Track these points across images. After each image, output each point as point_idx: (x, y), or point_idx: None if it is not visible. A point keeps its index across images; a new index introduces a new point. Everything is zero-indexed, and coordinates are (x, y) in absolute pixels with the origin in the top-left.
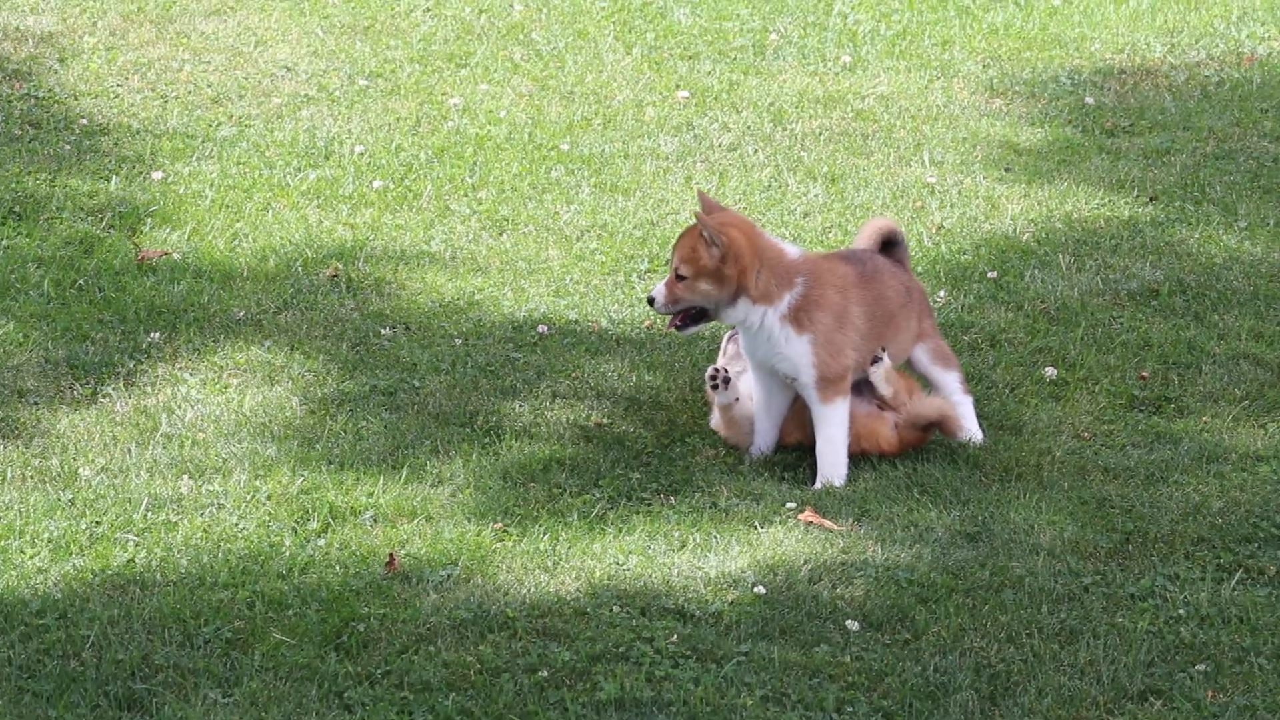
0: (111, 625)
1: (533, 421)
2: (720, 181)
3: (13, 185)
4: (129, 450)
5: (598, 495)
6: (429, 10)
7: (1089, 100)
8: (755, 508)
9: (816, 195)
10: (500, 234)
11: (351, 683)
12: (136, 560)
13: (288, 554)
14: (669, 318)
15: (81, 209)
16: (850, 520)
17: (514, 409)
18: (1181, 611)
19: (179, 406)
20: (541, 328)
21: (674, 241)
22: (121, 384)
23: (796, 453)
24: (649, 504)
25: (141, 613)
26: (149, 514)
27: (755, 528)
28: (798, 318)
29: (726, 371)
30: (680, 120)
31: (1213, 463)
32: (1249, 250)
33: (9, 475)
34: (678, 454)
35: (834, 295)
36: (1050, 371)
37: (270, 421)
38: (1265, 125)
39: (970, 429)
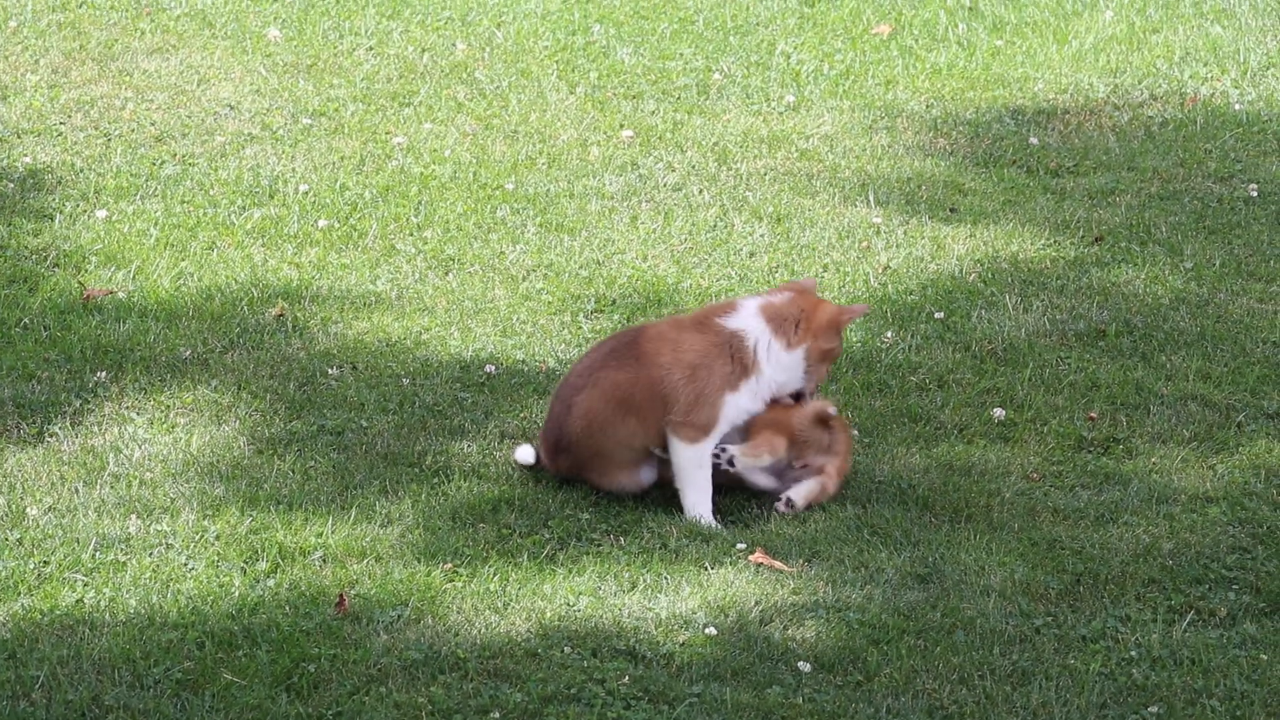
0: (61, 665)
1: (481, 461)
2: (665, 221)
3: None
4: (76, 489)
5: (547, 535)
6: (372, 49)
7: (1033, 140)
8: (705, 548)
9: (762, 235)
10: (446, 273)
11: None
12: (85, 600)
13: (237, 594)
14: None
15: (25, 247)
16: (800, 561)
17: (462, 449)
18: (1133, 653)
19: (126, 446)
20: (489, 367)
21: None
22: (68, 423)
23: (744, 495)
24: (599, 544)
25: (91, 653)
26: (97, 554)
27: (706, 568)
28: None
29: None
30: (625, 159)
31: (1162, 504)
32: (1195, 291)
33: None
34: (627, 494)
35: None
36: (998, 412)
37: (218, 461)
38: (1209, 166)
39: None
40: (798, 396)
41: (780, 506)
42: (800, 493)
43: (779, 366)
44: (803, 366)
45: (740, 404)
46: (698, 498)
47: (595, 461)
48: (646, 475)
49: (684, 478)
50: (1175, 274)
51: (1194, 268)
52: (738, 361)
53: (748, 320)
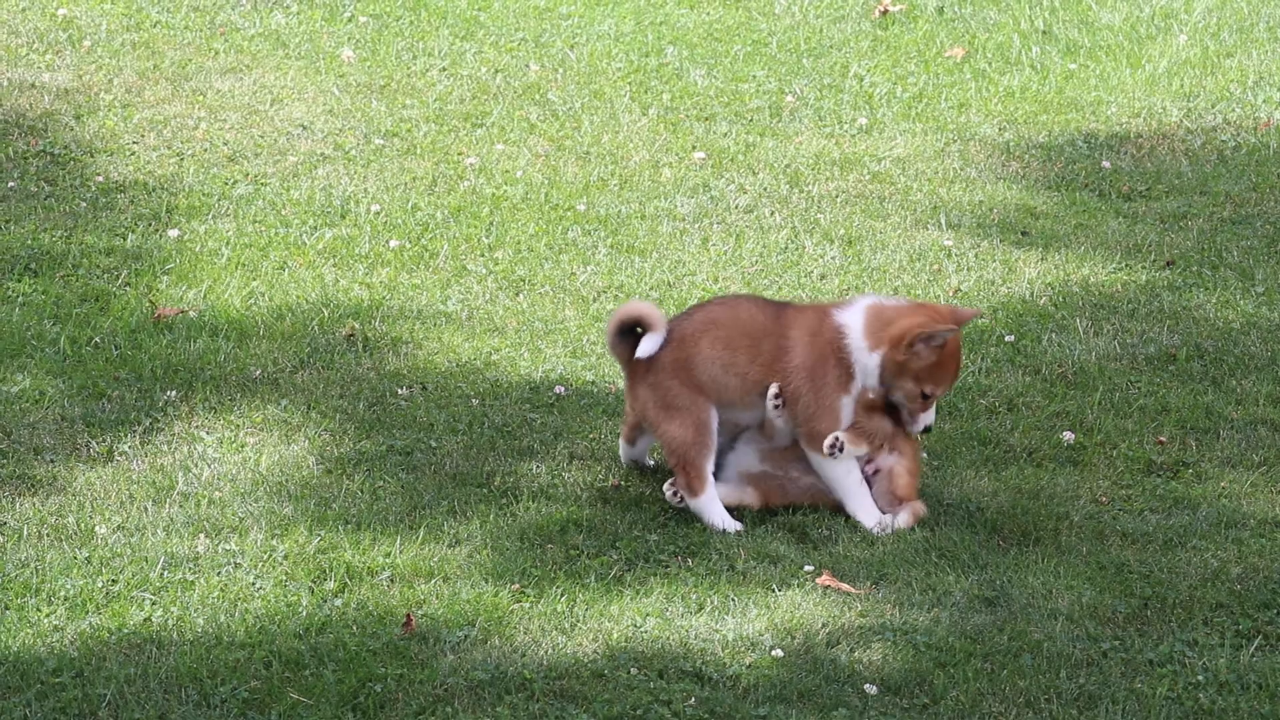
0: (128, 684)
1: (550, 482)
2: (737, 243)
3: (29, 242)
4: (145, 508)
5: (615, 557)
6: (445, 70)
7: (1105, 164)
8: (772, 570)
9: (833, 258)
10: (517, 294)
11: None
12: (153, 619)
13: (304, 613)
14: None
15: (97, 266)
16: (868, 584)
17: (531, 470)
18: (1200, 677)
19: (195, 465)
20: (559, 388)
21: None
22: (138, 441)
23: (814, 514)
24: (666, 566)
25: (158, 672)
26: (165, 572)
27: (773, 590)
28: None
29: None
30: (697, 181)
31: (1231, 528)
32: (1266, 315)
33: (25, 533)
34: (695, 516)
35: None
36: (1068, 436)
37: (287, 481)
38: None
39: None
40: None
41: (876, 529)
42: (902, 521)
43: (863, 370)
44: (878, 375)
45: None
46: (859, 503)
47: (680, 375)
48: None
49: (839, 489)
50: (1246, 298)
51: (1265, 292)
52: (843, 365)
53: (852, 315)
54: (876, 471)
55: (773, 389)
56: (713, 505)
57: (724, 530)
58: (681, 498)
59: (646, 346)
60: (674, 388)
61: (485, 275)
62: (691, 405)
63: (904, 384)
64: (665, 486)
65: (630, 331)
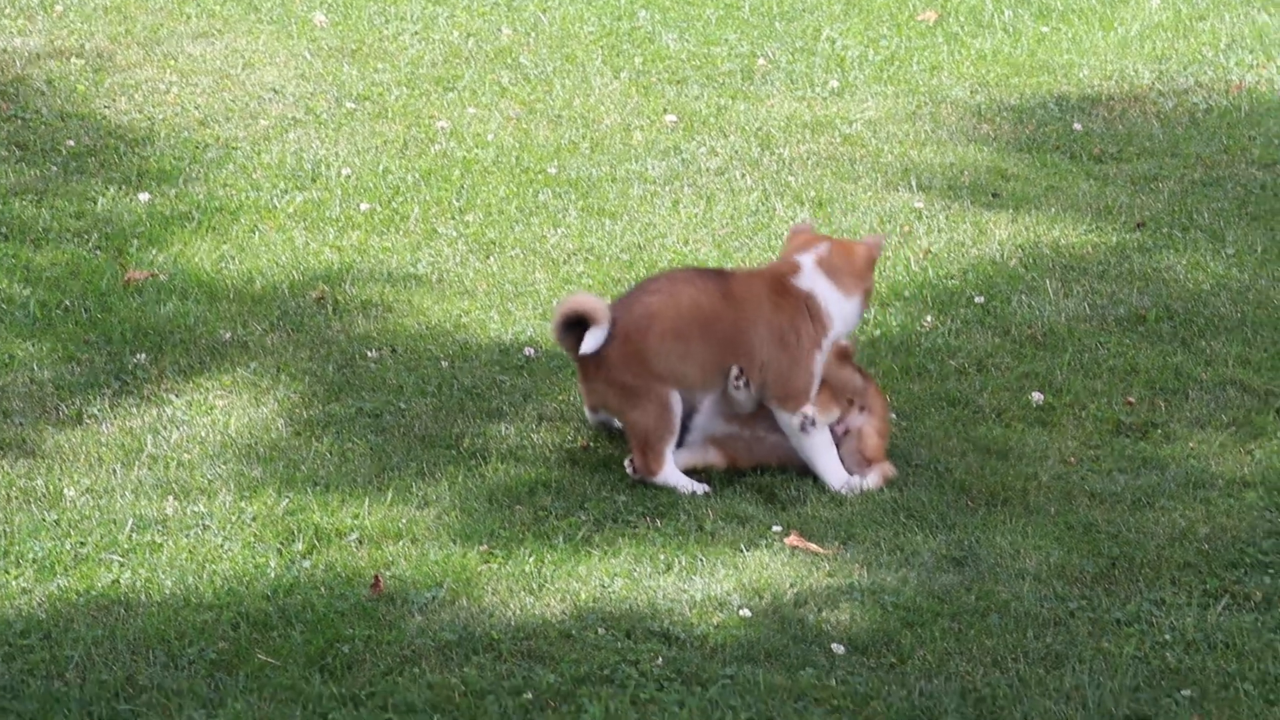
0: (96, 646)
1: (519, 444)
2: (707, 206)
3: None
4: (114, 471)
5: (583, 518)
6: (417, 34)
7: (1077, 126)
8: (740, 530)
9: (804, 219)
10: (487, 257)
11: (336, 704)
12: (121, 581)
13: (273, 575)
14: None
15: (68, 230)
16: (836, 544)
17: (500, 431)
18: (1167, 637)
19: (164, 427)
20: (528, 350)
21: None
22: (107, 404)
23: (782, 475)
24: (634, 526)
25: (126, 633)
26: (134, 535)
27: (741, 551)
28: None
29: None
30: (668, 144)
31: (1199, 488)
32: (1236, 277)
33: None
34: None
35: None
36: (1037, 397)
37: (256, 443)
38: (1253, 152)
39: None
40: None
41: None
42: (871, 483)
43: (843, 318)
44: (858, 315)
45: (821, 362)
46: (826, 464)
47: (633, 368)
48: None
49: (806, 449)
50: (1217, 260)
51: (1235, 254)
52: (817, 321)
53: (814, 279)
54: (846, 432)
55: (734, 370)
56: (673, 477)
57: (692, 493)
58: (640, 476)
59: (590, 343)
60: (629, 379)
61: (456, 238)
62: (651, 391)
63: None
64: (626, 462)
65: (576, 324)
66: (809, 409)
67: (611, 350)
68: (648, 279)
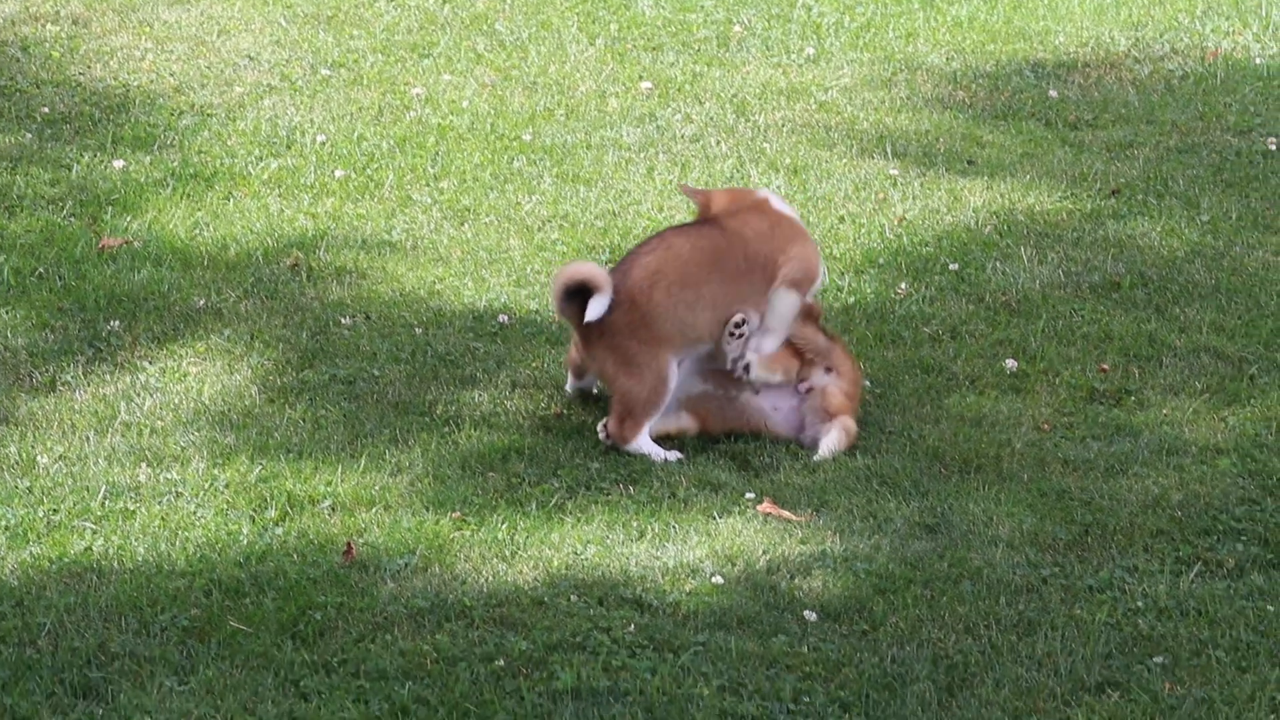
0: (68, 613)
1: (492, 411)
2: (683, 173)
3: None
4: (87, 438)
5: (556, 485)
6: (392, 0)
7: (1052, 94)
8: (714, 498)
9: (779, 186)
10: (462, 224)
11: (308, 671)
12: (94, 548)
13: (245, 542)
14: None
15: (42, 197)
16: (809, 511)
17: (473, 398)
18: (1140, 604)
19: (138, 394)
20: (502, 317)
21: None
22: (81, 371)
23: (756, 442)
24: (608, 494)
25: (98, 600)
26: (107, 502)
27: (714, 518)
28: None
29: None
30: (643, 111)
31: (1173, 455)
32: (1211, 244)
33: None
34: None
35: None
36: (1011, 364)
37: (229, 410)
38: (1228, 119)
39: None
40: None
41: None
42: (828, 446)
43: None
44: None
45: None
46: (776, 341)
47: (639, 333)
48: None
49: (778, 323)
50: (1191, 227)
51: (1210, 221)
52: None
53: (782, 206)
54: (810, 390)
55: (736, 318)
56: (646, 445)
57: (664, 461)
58: (613, 442)
59: (594, 310)
60: (632, 347)
61: (430, 205)
62: (652, 361)
63: None
64: (599, 427)
65: (577, 293)
66: (752, 359)
67: (617, 316)
68: (637, 246)
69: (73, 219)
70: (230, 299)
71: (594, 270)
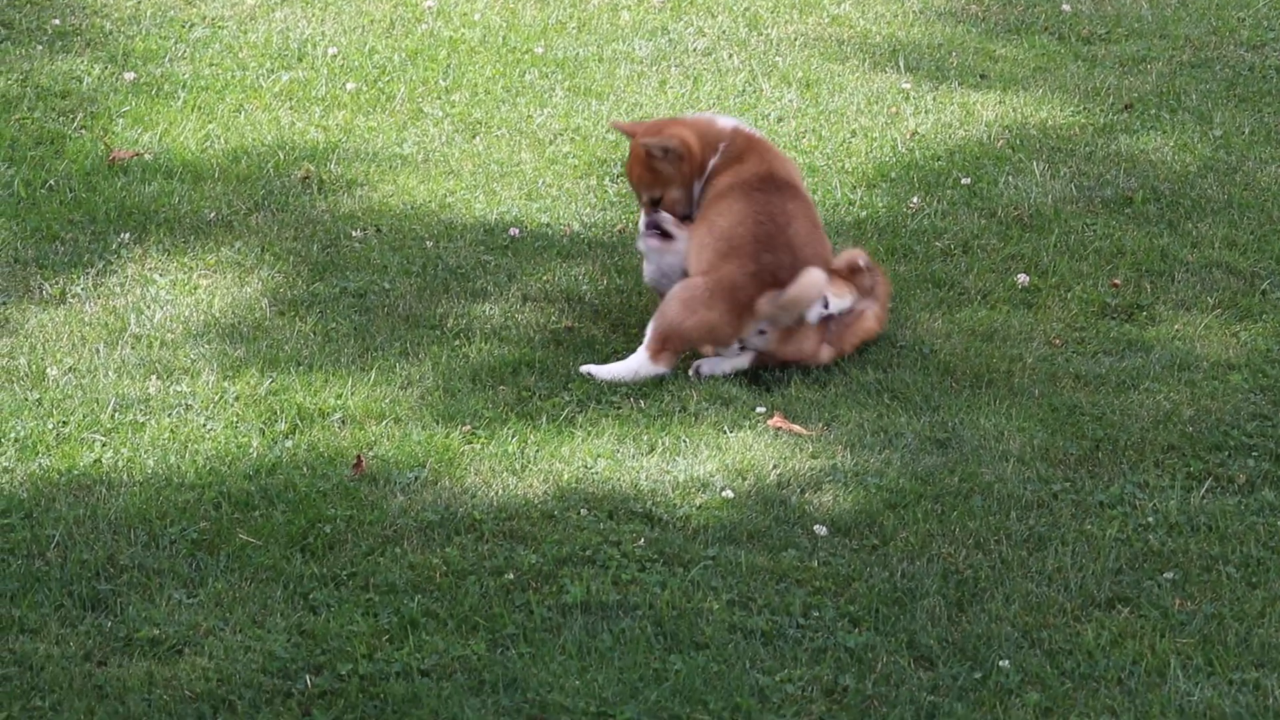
0: (77, 525)
1: (503, 324)
2: (694, 86)
3: None
4: (97, 350)
5: (567, 398)
6: None
7: (1065, 7)
8: (724, 412)
9: (791, 100)
10: (473, 137)
11: (317, 584)
12: (103, 460)
13: (255, 455)
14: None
15: (53, 109)
16: (819, 425)
17: (484, 312)
18: (1150, 519)
19: (148, 307)
20: (513, 231)
21: (627, 176)
22: (90, 284)
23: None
24: (618, 408)
25: (107, 513)
26: (116, 414)
27: (724, 432)
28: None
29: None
30: (655, 24)
31: (1184, 371)
32: (1223, 159)
33: None
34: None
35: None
36: (1022, 278)
37: (239, 323)
38: (1242, 34)
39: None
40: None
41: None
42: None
43: None
44: None
45: None
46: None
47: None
48: None
49: None
50: (1204, 142)
51: (1223, 135)
52: None
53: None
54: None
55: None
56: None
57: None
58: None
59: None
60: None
61: (442, 118)
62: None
63: None
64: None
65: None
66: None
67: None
68: (783, 228)
69: (83, 131)
70: (241, 211)
71: (822, 277)
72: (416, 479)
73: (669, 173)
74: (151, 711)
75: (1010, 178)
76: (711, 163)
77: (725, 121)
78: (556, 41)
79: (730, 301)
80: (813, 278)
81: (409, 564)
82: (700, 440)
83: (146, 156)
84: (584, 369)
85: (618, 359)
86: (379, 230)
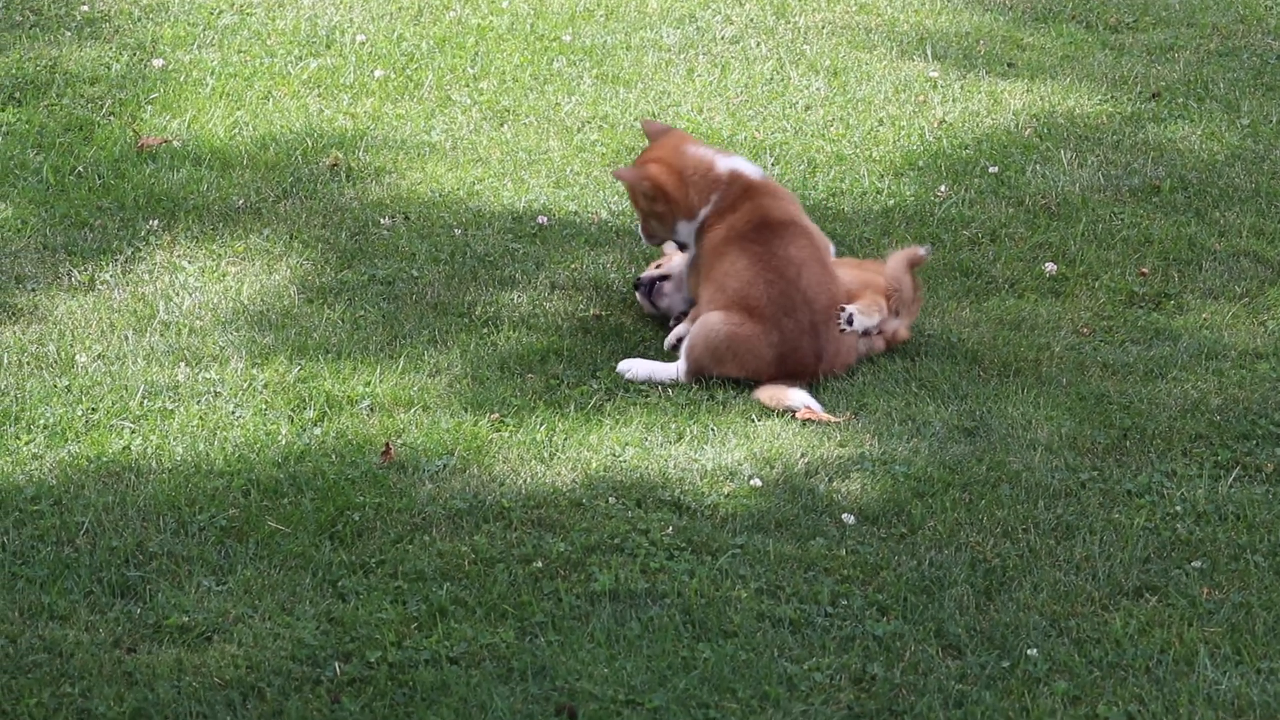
0: (106, 512)
1: (531, 312)
2: (722, 74)
3: (13, 71)
4: (126, 337)
5: (595, 386)
6: None
7: None
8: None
9: (818, 89)
10: (501, 125)
11: (345, 572)
12: (132, 447)
13: (284, 442)
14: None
15: (82, 95)
16: (848, 413)
17: (512, 299)
18: (1178, 508)
19: (177, 294)
20: (541, 218)
21: None
22: (120, 271)
23: None
24: (646, 395)
25: (136, 500)
26: (145, 401)
27: (752, 420)
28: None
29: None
30: (683, 12)
31: (1212, 359)
32: (1251, 147)
33: (5, 361)
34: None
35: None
36: (1050, 267)
37: (268, 310)
38: (1269, 22)
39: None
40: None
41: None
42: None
43: None
44: None
45: None
46: None
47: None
48: None
49: None
50: (1231, 130)
51: (1250, 124)
52: None
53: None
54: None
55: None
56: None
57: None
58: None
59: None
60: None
61: (470, 106)
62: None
63: None
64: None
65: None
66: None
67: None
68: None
69: (112, 118)
70: (269, 199)
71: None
72: (445, 467)
73: (645, 207)
74: (180, 698)
75: (1038, 166)
76: (703, 213)
77: (725, 163)
78: (584, 29)
79: (751, 357)
80: (792, 399)
81: (437, 552)
82: (728, 428)
83: (175, 143)
84: (621, 368)
85: (646, 347)
86: (407, 218)
